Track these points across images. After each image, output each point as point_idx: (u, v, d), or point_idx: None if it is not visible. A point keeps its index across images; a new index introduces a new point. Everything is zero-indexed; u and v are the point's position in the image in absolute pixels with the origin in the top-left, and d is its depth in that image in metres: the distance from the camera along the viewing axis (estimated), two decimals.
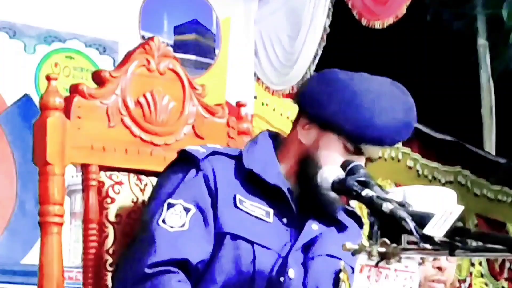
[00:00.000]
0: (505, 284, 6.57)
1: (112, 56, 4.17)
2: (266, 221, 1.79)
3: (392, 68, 6.45)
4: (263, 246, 1.78)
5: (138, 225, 1.87)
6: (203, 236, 1.77)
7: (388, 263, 1.59)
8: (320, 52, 4.64)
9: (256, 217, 1.79)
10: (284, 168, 1.83)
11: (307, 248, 1.82)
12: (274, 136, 1.90)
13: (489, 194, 6.62)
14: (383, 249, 1.58)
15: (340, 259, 1.82)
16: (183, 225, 1.76)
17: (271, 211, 1.80)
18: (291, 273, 1.79)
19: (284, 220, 1.81)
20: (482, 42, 7.12)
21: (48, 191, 1.90)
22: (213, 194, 1.79)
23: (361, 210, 5.83)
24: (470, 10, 6.88)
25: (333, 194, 1.77)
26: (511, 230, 6.73)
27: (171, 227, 1.76)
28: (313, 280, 1.81)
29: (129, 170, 1.99)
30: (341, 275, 1.76)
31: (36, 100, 3.87)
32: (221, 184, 1.79)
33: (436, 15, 6.78)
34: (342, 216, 1.89)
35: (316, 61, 4.64)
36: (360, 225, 1.97)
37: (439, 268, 2.29)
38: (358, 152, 1.78)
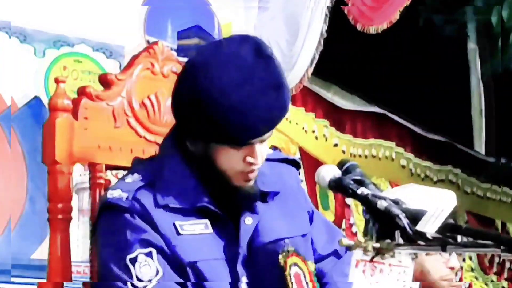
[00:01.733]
0: (505, 284, 6.59)
1: (118, 60, 4.18)
2: (207, 233, 1.74)
3: (386, 71, 6.48)
4: (216, 259, 1.74)
5: None
6: (175, 273, 1.72)
7: (383, 258, 1.63)
8: (317, 56, 4.61)
9: (198, 234, 1.73)
10: (197, 175, 1.75)
11: (251, 243, 1.77)
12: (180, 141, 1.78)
13: (478, 192, 6.62)
14: (377, 245, 1.61)
15: (283, 239, 1.79)
16: (157, 271, 1.70)
17: (207, 221, 1.74)
18: (244, 279, 1.75)
19: (220, 224, 1.75)
20: (472, 46, 7.10)
21: (56, 189, 1.93)
22: (157, 230, 1.72)
23: (357, 207, 5.81)
24: (461, 16, 6.87)
25: (239, 182, 1.72)
26: (499, 227, 6.76)
27: (149, 280, 1.69)
28: (263, 272, 1.77)
29: None
30: (281, 259, 1.77)
31: (45, 102, 3.88)
32: (156, 217, 1.72)
33: (428, 20, 6.78)
34: (268, 180, 1.80)
35: (314, 64, 4.66)
36: (296, 166, 1.92)
37: (452, 268, 2.36)
38: (248, 144, 1.71)
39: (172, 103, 1.79)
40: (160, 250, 1.72)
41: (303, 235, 1.85)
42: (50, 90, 3.95)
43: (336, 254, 1.94)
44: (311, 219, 1.91)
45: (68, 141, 1.94)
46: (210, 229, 1.75)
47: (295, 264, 1.79)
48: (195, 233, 1.73)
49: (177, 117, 1.78)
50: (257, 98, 1.64)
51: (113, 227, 1.75)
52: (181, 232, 1.73)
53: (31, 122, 3.86)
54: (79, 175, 2.57)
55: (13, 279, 3.35)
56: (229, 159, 1.72)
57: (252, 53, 1.68)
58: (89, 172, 2.00)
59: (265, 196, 1.81)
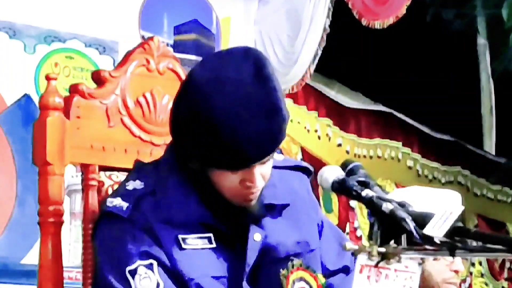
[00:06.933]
0: (505, 284, 6.59)
1: (112, 56, 4.19)
2: (211, 248, 1.70)
3: (392, 68, 6.48)
4: (221, 277, 1.69)
5: None
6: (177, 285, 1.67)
7: (388, 263, 1.59)
8: (320, 52, 4.66)
9: (202, 249, 1.69)
10: (199, 192, 1.72)
11: (256, 260, 1.72)
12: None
13: (489, 194, 6.64)
14: (383, 249, 1.58)
15: (289, 255, 1.74)
16: (158, 284, 1.65)
17: (211, 235, 1.70)
18: None
19: (224, 239, 1.72)
20: (482, 42, 7.12)
21: (47, 191, 1.90)
22: (158, 242, 1.68)
23: (361, 210, 5.84)
24: (470, 10, 6.88)
25: (239, 202, 1.69)
26: (510, 230, 6.75)
27: None
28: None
29: (128, 170, 1.98)
30: (282, 276, 1.71)
31: (36, 100, 3.88)
32: (158, 229, 1.68)
33: (436, 15, 6.78)
34: (278, 192, 1.77)
35: (316, 61, 4.66)
36: (308, 173, 1.87)
37: (456, 272, 2.32)
38: (246, 168, 1.67)
39: (170, 120, 1.75)
40: (161, 263, 1.68)
41: (311, 251, 1.80)
42: (41, 88, 3.96)
43: (345, 270, 1.88)
44: (320, 232, 1.86)
45: (60, 141, 1.91)
46: (213, 244, 1.71)
47: (301, 279, 1.74)
48: (197, 248, 1.70)
49: (173, 135, 1.75)
50: (252, 124, 1.62)
51: (113, 237, 1.71)
52: (184, 246, 1.69)
53: (21, 121, 3.88)
54: (71, 176, 2.54)
55: (2, 286, 3.34)
56: (227, 181, 1.68)
57: (252, 73, 1.65)
58: (81, 174, 1.97)
59: (273, 209, 1.77)
